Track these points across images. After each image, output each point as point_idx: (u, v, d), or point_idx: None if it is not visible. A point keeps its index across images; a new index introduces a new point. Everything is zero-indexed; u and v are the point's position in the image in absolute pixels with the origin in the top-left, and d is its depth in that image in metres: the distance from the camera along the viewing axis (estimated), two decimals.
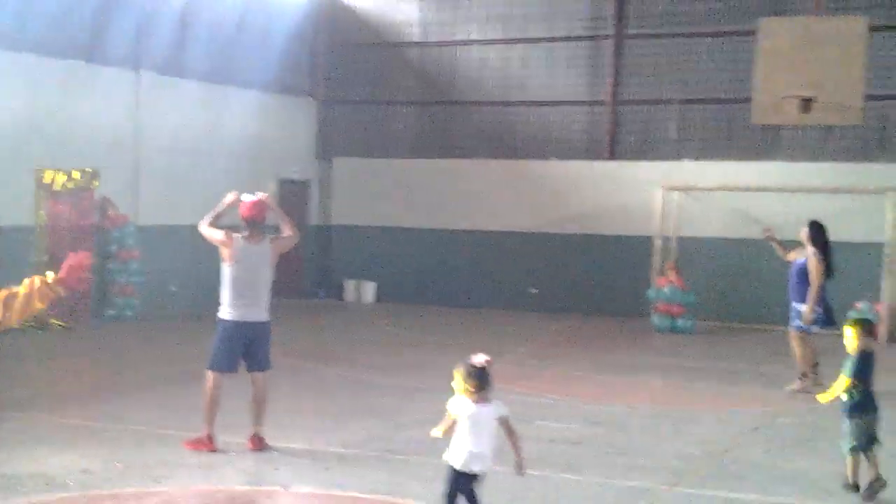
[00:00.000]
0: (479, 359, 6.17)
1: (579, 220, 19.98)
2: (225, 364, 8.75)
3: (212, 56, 18.96)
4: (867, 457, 7.79)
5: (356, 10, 21.98)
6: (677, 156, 19.50)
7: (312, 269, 21.96)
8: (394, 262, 21.26)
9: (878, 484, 7.72)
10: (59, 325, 15.38)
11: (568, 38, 20.35)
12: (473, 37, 21.07)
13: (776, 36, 15.82)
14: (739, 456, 9.11)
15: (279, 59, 20.73)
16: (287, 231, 9.00)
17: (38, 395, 10.81)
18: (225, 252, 8.70)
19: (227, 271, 8.71)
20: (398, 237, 21.35)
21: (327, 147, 22.28)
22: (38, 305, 5.95)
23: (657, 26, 19.64)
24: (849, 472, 7.86)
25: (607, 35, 19.96)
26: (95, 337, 15.30)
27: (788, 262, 12.51)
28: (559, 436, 9.49)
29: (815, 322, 12.01)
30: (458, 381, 6.16)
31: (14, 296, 5.93)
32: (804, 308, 11.94)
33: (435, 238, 21.06)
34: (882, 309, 16.88)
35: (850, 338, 7.89)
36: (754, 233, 18.56)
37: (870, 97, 16.48)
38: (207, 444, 8.63)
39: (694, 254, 18.74)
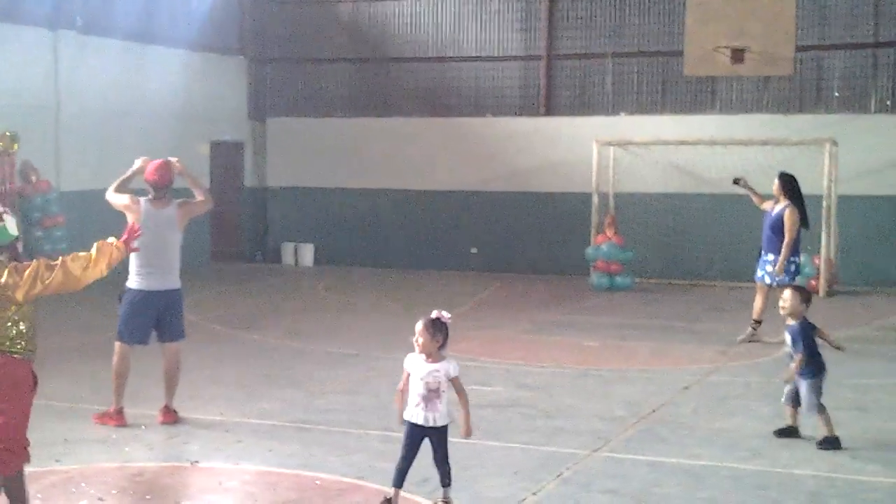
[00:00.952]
0: (446, 314, 6.21)
1: (518, 178, 19.70)
2: (134, 335, 8.42)
3: (136, 14, 18.41)
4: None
5: None
6: (613, 110, 19.30)
7: (249, 233, 21.50)
8: (332, 224, 20.88)
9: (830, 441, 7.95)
10: None
11: None
12: None
13: None
14: (666, 416, 8.90)
15: (207, 17, 20.23)
16: (199, 196, 8.72)
17: None
18: (130, 217, 8.31)
19: None
20: (335, 198, 20.95)
21: (260, 107, 21.78)
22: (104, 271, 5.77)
23: None
24: (827, 429, 7.90)
25: None
26: None
27: (762, 211, 12.42)
28: (486, 400, 9.20)
29: (790, 274, 11.85)
30: (423, 337, 6.15)
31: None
32: (777, 259, 11.80)
33: (373, 199, 20.67)
34: (820, 262, 16.83)
35: (788, 299, 8.08)
36: (690, 186, 18.51)
37: (804, 48, 16.35)
38: (116, 418, 8.33)
39: (632, 210, 18.55)
